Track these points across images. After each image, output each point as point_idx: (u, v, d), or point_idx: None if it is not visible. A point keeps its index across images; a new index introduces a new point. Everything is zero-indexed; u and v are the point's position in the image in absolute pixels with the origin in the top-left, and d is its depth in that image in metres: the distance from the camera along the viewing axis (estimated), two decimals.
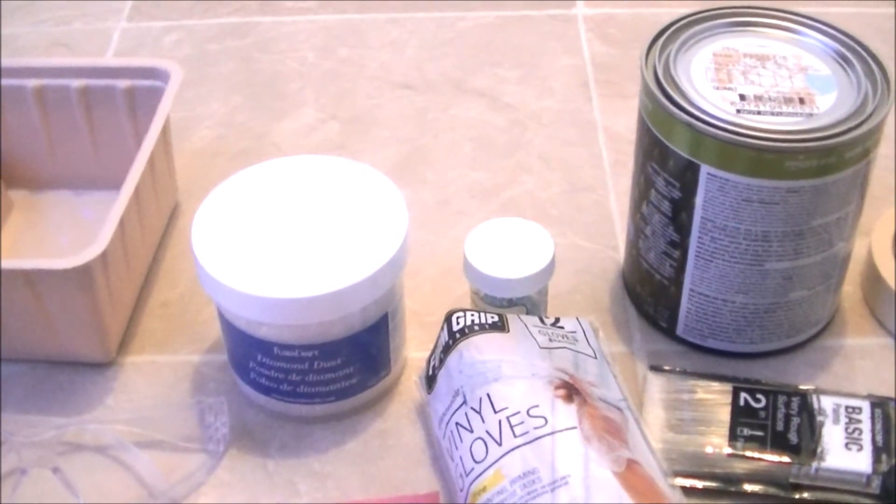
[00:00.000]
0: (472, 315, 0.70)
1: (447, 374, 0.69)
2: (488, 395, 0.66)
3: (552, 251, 0.73)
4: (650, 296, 0.78)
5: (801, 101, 0.69)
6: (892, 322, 0.78)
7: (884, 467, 0.67)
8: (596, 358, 0.70)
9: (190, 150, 0.96)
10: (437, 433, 0.70)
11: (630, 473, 0.62)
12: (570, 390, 0.66)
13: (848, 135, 0.66)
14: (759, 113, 0.68)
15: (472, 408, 0.66)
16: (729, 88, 0.70)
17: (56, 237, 0.87)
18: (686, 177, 0.70)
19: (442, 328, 0.71)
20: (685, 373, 0.75)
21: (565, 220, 0.88)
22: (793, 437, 0.69)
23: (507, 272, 0.72)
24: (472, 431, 0.66)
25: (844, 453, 0.68)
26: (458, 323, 0.70)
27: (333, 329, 0.69)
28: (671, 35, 0.73)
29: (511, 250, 0.73)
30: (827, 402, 0.71)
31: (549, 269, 0.74)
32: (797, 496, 0.68)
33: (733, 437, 0.70)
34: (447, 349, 0.69)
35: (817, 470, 0.68)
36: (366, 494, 0.70)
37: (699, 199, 0.70)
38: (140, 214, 0.80)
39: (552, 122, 0.98)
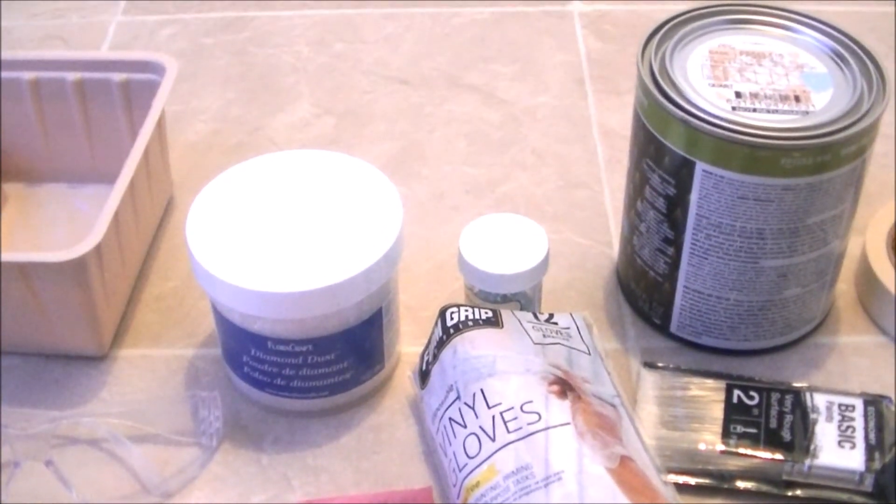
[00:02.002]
0: (466, 310, 0.71)
1: (441, 370, 0.69)
2: (482, 391, 0.66)
3: (546, 247, 0.73)
4: (644, 292, 0.78)
5: (797, 98, 0.69)
6: (886, 320, 0.78)
7: (877, 465, 0.67)
8: (590, 354, 0.70)
9: (185, 143, 0.96)
10: (430, 428, 0.70)
11: (623, 470, 0.62)
12: (564, 386, 0.66)
13: (843, 133, 0.66)
14: (754, 110, 0.68)
15: (465, 403, 0.66)
16: (725, 86, 0.70)
17: (51, 230, 0.87)
18: (681, 174, 0.70)
19: (436, 323, 0.71)
20: (679, 369, 0.75)
21: (559, 216, 0.88)
22: (786, 435, 0.69)
23: (501, 268, 0.72)
24: (465, 427, 0.66)
25: (837, 451, 0.68)
26: (451, 318, 0.70)
27: (327, 323, 0.69)
28: (667, 32, 0.73)
29: (505, 246, 0.73)
30: (820, 400, 0.71)
31: (544, 265, 0.74)
32: (790, 493, 0.68)
33: (726, 434, 0.70)
34: (441, 344, 0.70)
35: (810, 467, 0.68)
36: (359, 489, 0.70)
37: (694, 196, 0.70)
38: (135, 208, 0.80)
39: (547, 118, 0.98)
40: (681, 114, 0.68)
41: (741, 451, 0.69)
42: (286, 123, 0.98)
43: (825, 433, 0.69)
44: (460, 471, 0.65)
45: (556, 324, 0.72)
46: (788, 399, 0.71)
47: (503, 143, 0.96)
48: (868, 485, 0.67)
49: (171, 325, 0.81)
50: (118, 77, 0.86)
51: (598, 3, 1.13)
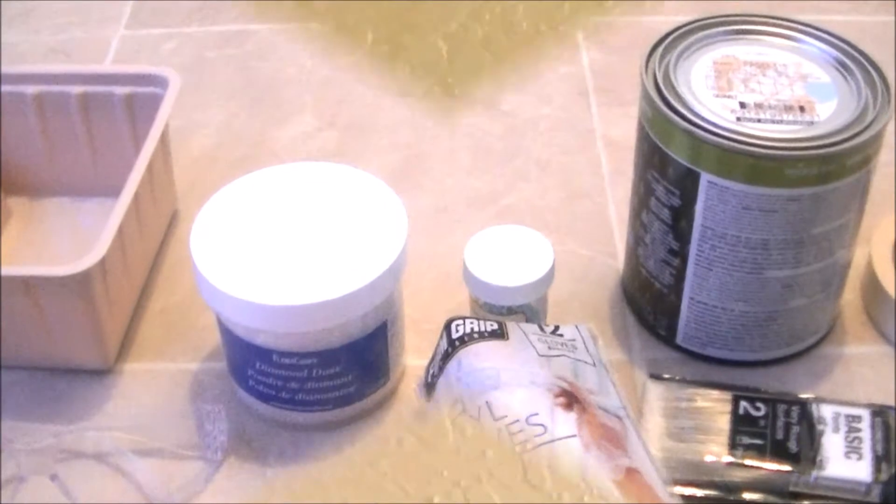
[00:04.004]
0: (472, 323, 0.70)
1: (446, 382, 0.69)
2: (487, 403, 0.66)
3: (552, 259, 0.73)
4: (649, 304, 0.78)
5: (802, 108, 0.69)
6: (892, 330, 0.78)
7: (883, 476, 0.67)
8: (595, 366, 0.70)
9: (188, 157, 0.96)
10: None
11: (629, 482, 0.62)
12: (570, 398, 0.66)
13: (848, 143, 0.66)
14: (759, 121, 0.68)
15: (471, 416, 0.66)
16: (729, 96, 0.70)
17: (55, 244, 0.87)
18: (686, 184, 0.70)
19: (441, 336, 0.71)
20: (684, 381, 0.75)
21: (563, 228, 0.88)
22: (792, 446, 0.69)
23: (506, 280, 0.72)
24: None
25: (844, 462, 0.68)
26: (457, 330, 0.70)
27: (332, 336, 0.69)
28: (671, 43, 0.73)
29: (510, 258, 0.73)
30: (827, 411, 0.71)
31: (549, 277, 0.74)
32: None
33: (733, 445, 0.70)
34: (446, 357, 0.69)
35: (817, 478, 0.67)
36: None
37: (699, 207, 0.70)
38: (139, 221, 0.79)
39: (550, 130, 0.98)
40: (685, 124, 0.68)
41: (747, 462, 0.69)
42: (289, 136, 0.98)
43: (832, 444, 0.69)
44: None
45: (561, 335, 0.71)
46: (795, 410, 0.71)
47: (506, 154, 0.96)
48: (875, 496, 0.67)
49: (175, 338, 0.81)
50: (121, 91, 0.86)
51: (601, 14, 1.13)
